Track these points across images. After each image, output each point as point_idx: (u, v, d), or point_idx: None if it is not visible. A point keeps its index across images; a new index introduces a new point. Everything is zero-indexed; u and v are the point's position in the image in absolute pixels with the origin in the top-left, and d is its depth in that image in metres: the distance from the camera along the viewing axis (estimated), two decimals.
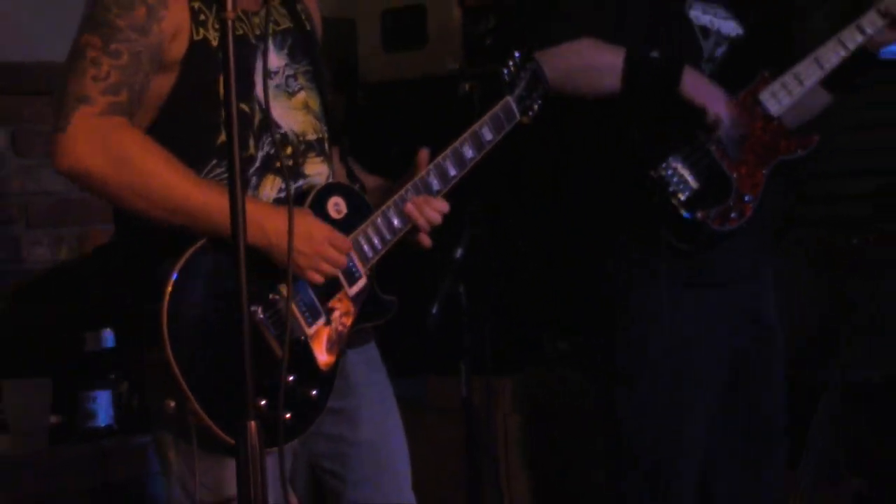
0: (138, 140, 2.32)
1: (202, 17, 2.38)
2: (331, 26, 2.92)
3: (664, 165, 3.01)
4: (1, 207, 4.08)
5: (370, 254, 2.53)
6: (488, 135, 2.66)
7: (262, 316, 2.35)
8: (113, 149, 2.28)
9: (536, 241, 4.38)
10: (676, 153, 3.03)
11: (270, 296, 2.37)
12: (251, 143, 2.42)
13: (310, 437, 2.50)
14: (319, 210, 2.48)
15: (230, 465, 2.05)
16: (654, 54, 3.05)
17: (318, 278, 2.41)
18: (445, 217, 2.60)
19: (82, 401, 3.62)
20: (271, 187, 2.44)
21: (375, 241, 2.54)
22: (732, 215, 3.05)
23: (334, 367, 2.48)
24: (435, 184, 2.60)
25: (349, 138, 2.74)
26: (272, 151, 2.43)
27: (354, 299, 2.51)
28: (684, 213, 3.02)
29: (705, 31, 3.15)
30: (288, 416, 2.37)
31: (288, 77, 2.52)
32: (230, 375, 2.05)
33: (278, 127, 2.47)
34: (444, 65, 4.56)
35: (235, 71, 2.01)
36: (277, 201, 2.44)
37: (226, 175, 2.26)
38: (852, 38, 3.11)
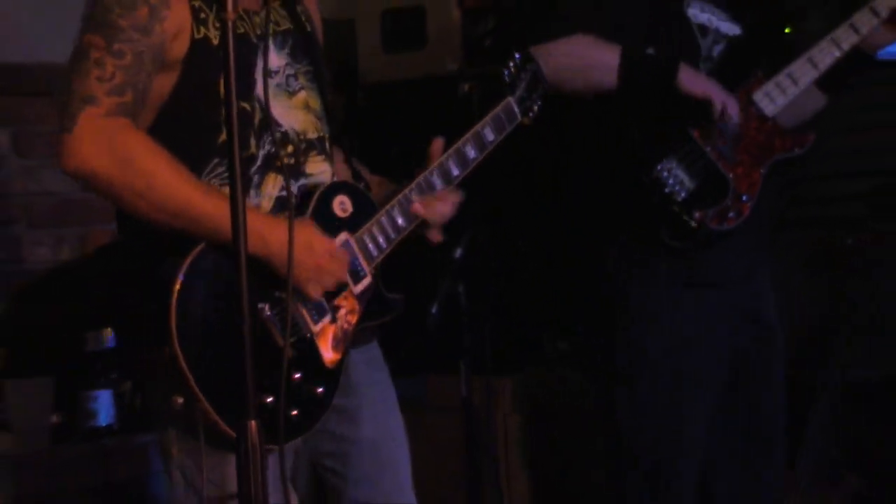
0: (144, 143, 2.32)
1: (203, 15, 2.39)
2: (330, 27, 2.93)
3: (660, 167, 3.02)
4: (3, 208, 4.09)
5: (375, 252, 2.54)
6: (490, 135, 2.68)
7: (269, 313, 2.36)
8: (119, 150, 2.29)
9: (536, 241, 4.39)
10: (672, 154, 3.04)
11: (277, 293, 2.38)
12: (252, 141, 2.42)
13: (312, 435, 2.51)
14: (325, 208, 2.49)
15: (235, 462, 2.06)
16: (650, 51, 3.06)
17: (318, 291, 2.41)
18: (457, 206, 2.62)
19: (83, 400, 3.63)
20: (273, 185, 2.44)
21: (380, 239, 2.54)
22: (730, 215, 3.05)
23: (340, 365, 2.49)
24: (438, 183, 2.61)
25: (350, 139, 2.74)
26: (273, 150, 2.44)
27: (360, 297, 2.52)
28: (682, 213, 3.02)
29: (703, 29, 3.15)
30: (294, 412, 2.38)
31: (288, 77, 2.53)
32: (237, 372, 2.05)
33: (279, 125, 2.48)
34: (443, 65, 4.57)
35: (236, 69, 2.02)
36: (279, 199, 2.44)
37: (227, 174, 2.26)
38: (846, 38, 3.11)
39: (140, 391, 3.56)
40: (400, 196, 2.57)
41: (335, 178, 2.57)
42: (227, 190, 2.07)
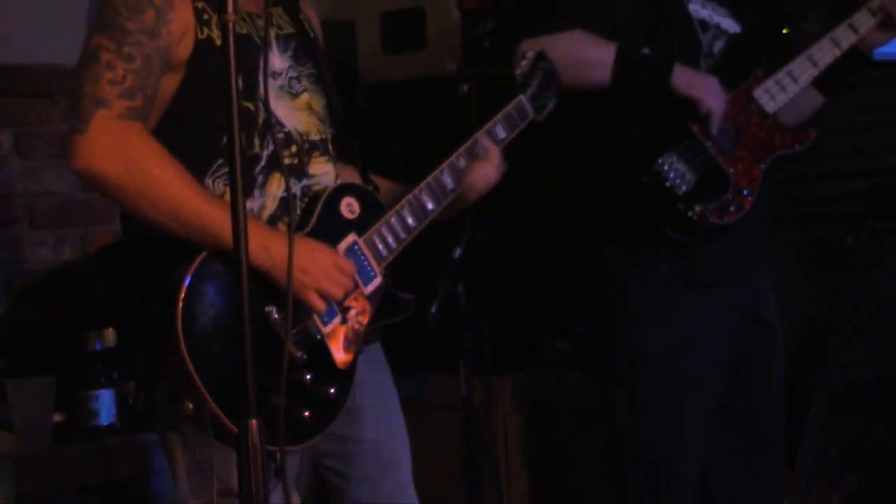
0: (155, 149, 2.32)
1: (206, 16, 2.39)
2: (330, 28, 2.93)
3: (661, 161, 3.02)
4: (4, 208, 4.09)
5: (385, 253, 2.54)
6: (502, 133, 2.70)
7: (276, 316, 2.36)
8: (130, 154, 2.30)
9: (536, 241, 4.39)
10: (672, 149, 3.04)
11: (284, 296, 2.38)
12: (256, 141, 2.42)
13: None
14: (332, 211, 2.49)
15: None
16: (646, 51, 3.06)
17: (321, 303, 2.40)
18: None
19: (85, 400, 3.63)
20: (278, 186, 2.44)
21: (390, 239, 2.54)
22: (731, 209, 3.06)
23: (352, 366, 2.48)
24: (449, 182, 2.62)
25: (350, 139, 2.75)
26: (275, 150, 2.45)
27: (370, 298, 2.52)
28: (683, 206, 3.02)
29: (704, 24, 3.16)
30: (307, 414, 2.38)
31: (291, 79, 2.53)
32: (242, 374, 2.06)
33: (282, 126, 2.48)
34: (443, 66, 4.57)
35: (239, 69, 2.02)
36: (284, 200, 2.44)
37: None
38: (845, 37, 3.13)
39: (144, 391, 3.57)
40: (410, 196, 2.57)
41: (338, 180, 2.58)
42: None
